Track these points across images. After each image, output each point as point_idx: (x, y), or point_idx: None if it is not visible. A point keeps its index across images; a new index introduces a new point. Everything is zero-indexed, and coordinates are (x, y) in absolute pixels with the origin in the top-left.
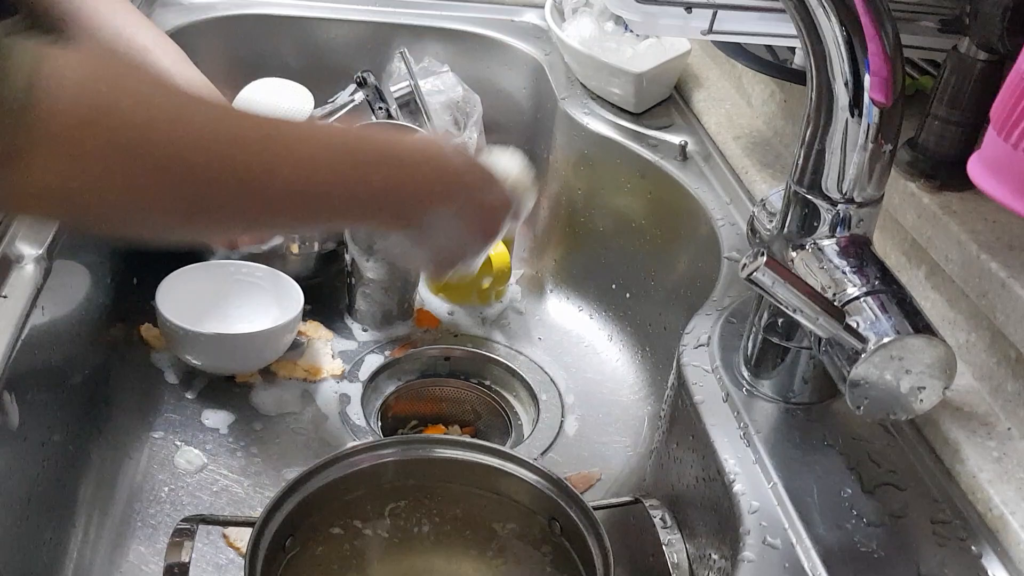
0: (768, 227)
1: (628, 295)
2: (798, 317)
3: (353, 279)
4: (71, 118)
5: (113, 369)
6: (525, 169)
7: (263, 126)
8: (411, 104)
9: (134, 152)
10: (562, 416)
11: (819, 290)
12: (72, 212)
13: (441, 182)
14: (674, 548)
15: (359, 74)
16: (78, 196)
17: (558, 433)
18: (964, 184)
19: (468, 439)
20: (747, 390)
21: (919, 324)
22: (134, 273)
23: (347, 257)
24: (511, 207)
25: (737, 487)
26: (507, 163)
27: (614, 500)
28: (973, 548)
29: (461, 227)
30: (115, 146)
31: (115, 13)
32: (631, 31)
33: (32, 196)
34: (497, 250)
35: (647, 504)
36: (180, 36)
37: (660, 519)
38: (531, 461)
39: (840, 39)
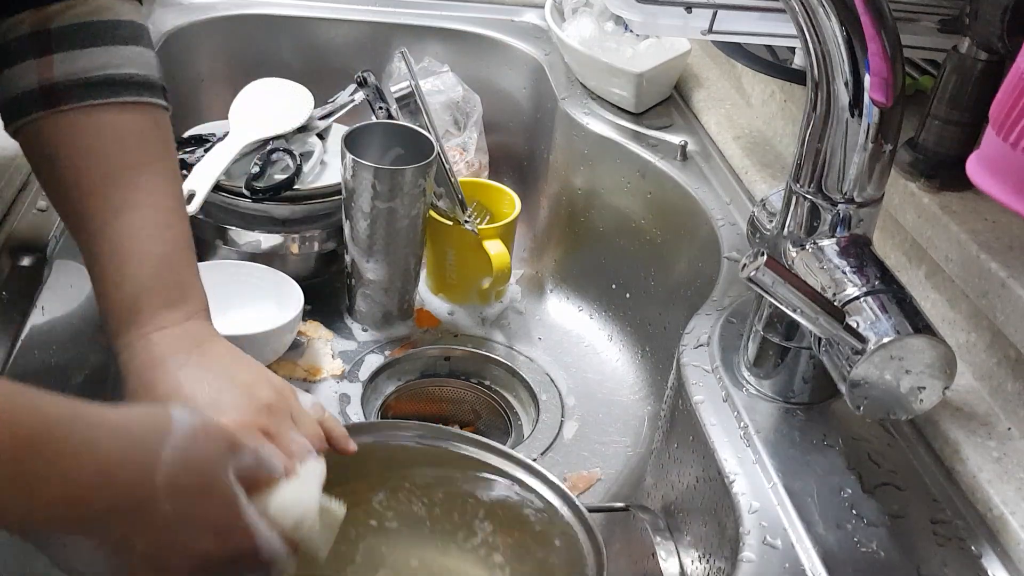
0: (768, 227)
1: (628, 295)
2: (798, 317)
3: (353, 280)
4: None
5: (113, 369)
6: (314, 508)
7: None
8: (411, 104)
9: None
10: (562, 416)
11: (819, 290)
12: None
13: (68, 497)
14: (667, 555)
15: (359, 74)
16: None
17: (558, 433)
18: (964, 184)
19: (465, 434)
20: (747, 390)
21: (919, 324)
22: None
23: (347, 258)
24: (248, 558)
25: (737, 487)
26: (293, 499)
27: (605, 504)
28: (973, 548)
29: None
30: None
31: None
32: (631, 31)
33: None
34: (497, 250)
35: (636, 514)
36: (180, 36)
37: (653, 524)
38: (526, 460)
39: (840, 39)
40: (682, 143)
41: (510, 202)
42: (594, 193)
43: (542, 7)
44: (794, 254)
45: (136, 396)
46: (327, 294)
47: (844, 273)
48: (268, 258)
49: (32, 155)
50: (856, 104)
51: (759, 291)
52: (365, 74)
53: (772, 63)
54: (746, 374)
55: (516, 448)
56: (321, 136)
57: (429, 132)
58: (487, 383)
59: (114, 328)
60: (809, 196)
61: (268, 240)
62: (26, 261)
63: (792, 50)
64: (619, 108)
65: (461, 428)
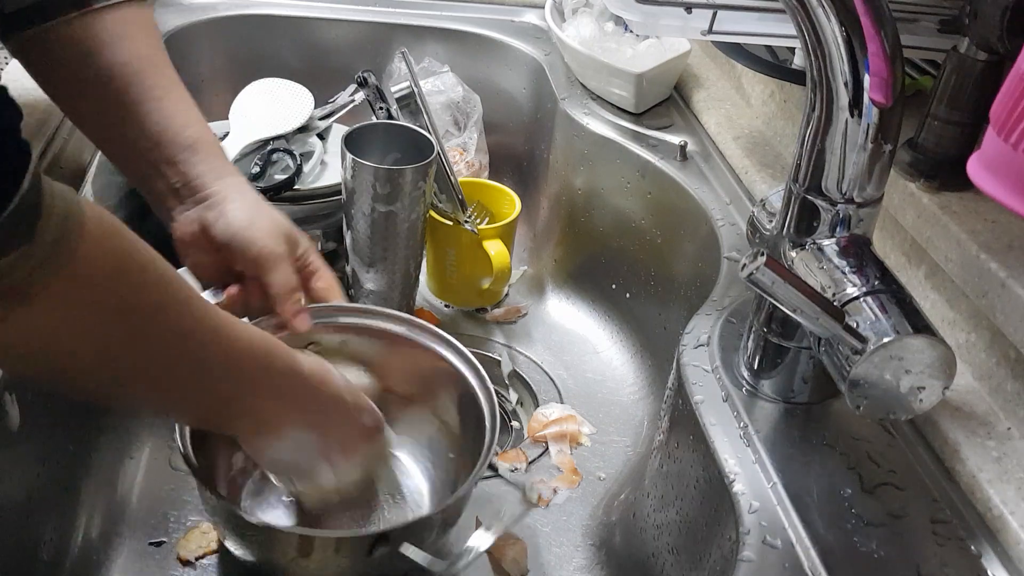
0: (768, 227)
1: (628, 295)
2: (798, 317)
3: (353, 291)
4: (98, 268)
5: None
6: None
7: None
8: (411, 104)
9: (128, 320)
10: None
11: (819, 290)
12: (38, 361)
13: (299, 410)
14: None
15: (360, 74)
16: (57, 344)
17: None
18: (964, 184)
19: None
20: (747, 390)
21: (919, 324)
22: None
23: (348, 268)
24: (376, 435)
25: (737, 487)
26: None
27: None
28: (973, 548)
29: (315, 451)
30: (117, 308)
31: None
32: (631, 31)
33: (20, 333)
34: (497, 250)
35: None
36: (180, 36)
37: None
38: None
39: (840, 39)
40: (682, 143)
41: (510, 202)
42: (594, 193)
43: (542, 7)
44: (794, 254)
45: (221, 207)
46: None
47: (844, 273)
48: None
49: (54, 58)
50: (856, 104)
51: (759, 291)
52: (365, 74)
53: (772, 63)
54: (746, 374)
55: (516, 448)
56: (321, 136)
57: (429, 132)
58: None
59: (211, 162)
60: (809, 196)
61: None
62: None
63: (792, 50)
64: (619, 108)
65: None
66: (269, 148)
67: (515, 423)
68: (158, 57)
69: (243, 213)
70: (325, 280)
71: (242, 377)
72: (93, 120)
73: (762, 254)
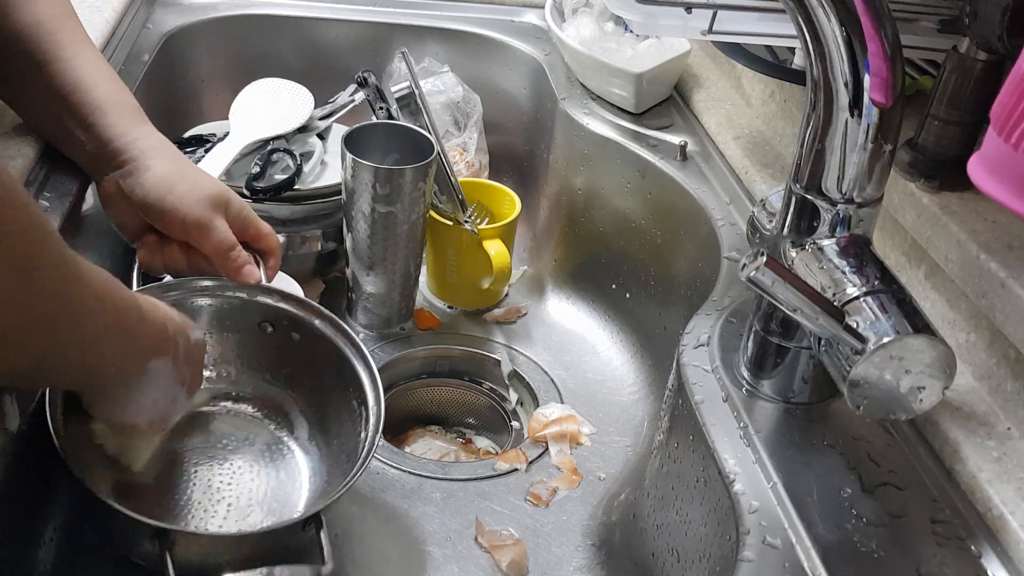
0: (768, 227)
1: (628, 295)
2: (798, 317)
3: (353, 294)
4: None
5: None
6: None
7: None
8: (411, 104)
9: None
10: None
11: (819, 290)
12: None
13: (157, 336)
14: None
15: (360, 74)
16: None
17: None
18: (964, 184)
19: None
20: (747, 390)
21: (919, 324)
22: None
23: (348, 270)
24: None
25: (737, 487)
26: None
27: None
28: (973, 548)
29: (172, 377)
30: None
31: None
32: (631, 31)
33: None
34: (497, 250)
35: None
36: (180, 36)
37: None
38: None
39: (840, 39)
40: (682, 143)
41: (510, 202)
42: (594, 193)
43: (542, 7)
44: (794, 254)
45: (136, 175)
46: (327, 294)
47: (844, 273)
48: None
49: None
50: (856, 104)
51: (759, 291)
52: (365, 74)
53: (772, 63)
54: (746, 374)
55: (516, 448)
56: (321, 136)
57: (429, 132)
58: (487, 383)
59: (124, 123)
60: (809, 196)
61: None
62: None
63: (792, 50)
64: (619, 108)
65: (461, 428)
66: (269, 148)
67: (515, 423)
68: (67, 17)
69: (160, 181)
70: (266, 238)
71: (104, 319)
72: (5, 83)
73: (762, 254)
